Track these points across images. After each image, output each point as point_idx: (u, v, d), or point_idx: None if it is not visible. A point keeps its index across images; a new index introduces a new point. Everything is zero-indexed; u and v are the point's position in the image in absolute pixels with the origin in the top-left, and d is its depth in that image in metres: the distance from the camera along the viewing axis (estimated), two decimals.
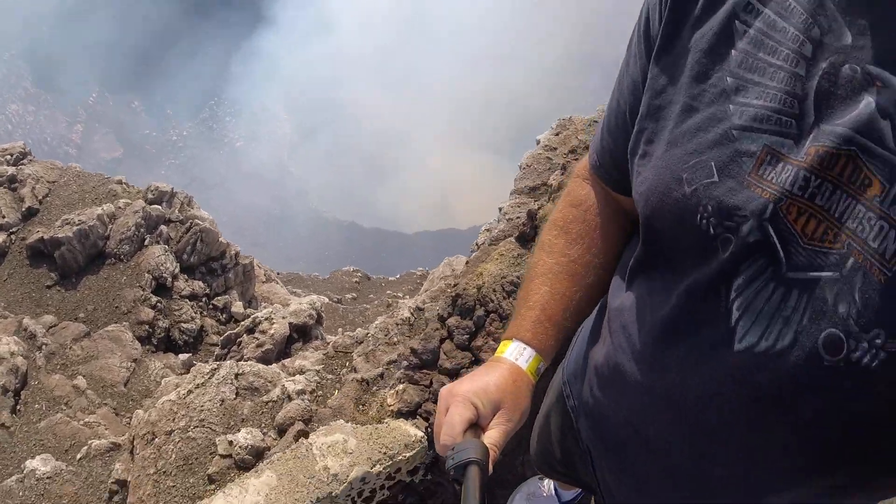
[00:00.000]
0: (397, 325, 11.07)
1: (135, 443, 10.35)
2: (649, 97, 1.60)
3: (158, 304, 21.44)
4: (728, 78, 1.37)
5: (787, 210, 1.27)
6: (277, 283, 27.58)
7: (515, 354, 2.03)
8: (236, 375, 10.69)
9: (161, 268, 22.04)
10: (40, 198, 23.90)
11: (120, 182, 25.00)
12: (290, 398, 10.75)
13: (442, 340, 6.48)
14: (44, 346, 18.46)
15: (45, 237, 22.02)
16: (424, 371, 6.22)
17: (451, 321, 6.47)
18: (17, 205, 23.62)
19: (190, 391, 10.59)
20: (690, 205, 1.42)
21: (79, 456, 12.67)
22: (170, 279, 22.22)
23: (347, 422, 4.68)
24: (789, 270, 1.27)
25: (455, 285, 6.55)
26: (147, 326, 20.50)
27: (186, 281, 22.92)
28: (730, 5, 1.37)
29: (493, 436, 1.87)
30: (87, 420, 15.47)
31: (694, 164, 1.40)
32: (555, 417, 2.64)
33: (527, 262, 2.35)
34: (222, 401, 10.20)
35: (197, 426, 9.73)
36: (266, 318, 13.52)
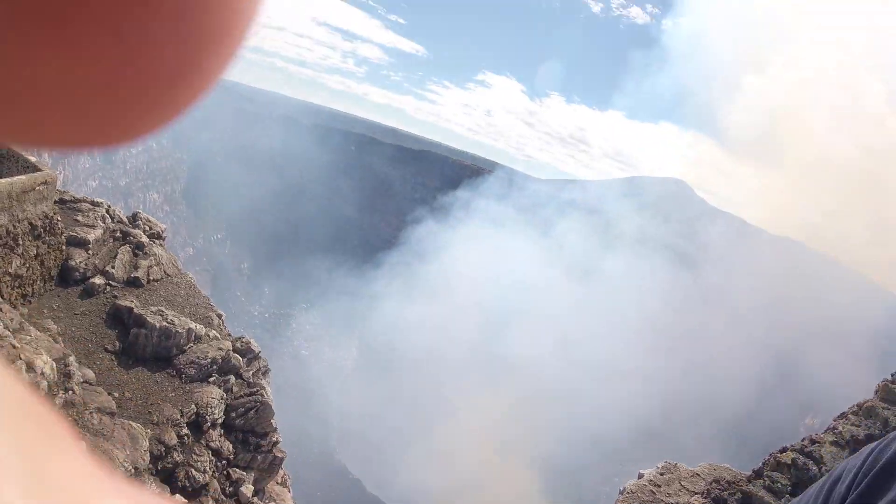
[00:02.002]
0: None
1: None
2: None
3: (185, 438, 20.26)
4: None
5: None
6: (289, 491, 26.13)
7: None
8: None
9: (208, 409, 21.15)
10: (151, 278, 24.02)
11: (220, 315, 25.14)
12: None
13: None
14: (70, 391, 17.45)
15: (135, 311, 21.72)
16: None
17: None
18: (129, 268, 23.75)
19: None
20: None
21: None
22: (209, 424, 21.22)
23: None
24: None
25: None
26: (163, 448, 19.18)
27: (221, 436, 21.87)
28: None
29: None
30: None
31: None
32: None
33: None
34: None
35: None
36: None
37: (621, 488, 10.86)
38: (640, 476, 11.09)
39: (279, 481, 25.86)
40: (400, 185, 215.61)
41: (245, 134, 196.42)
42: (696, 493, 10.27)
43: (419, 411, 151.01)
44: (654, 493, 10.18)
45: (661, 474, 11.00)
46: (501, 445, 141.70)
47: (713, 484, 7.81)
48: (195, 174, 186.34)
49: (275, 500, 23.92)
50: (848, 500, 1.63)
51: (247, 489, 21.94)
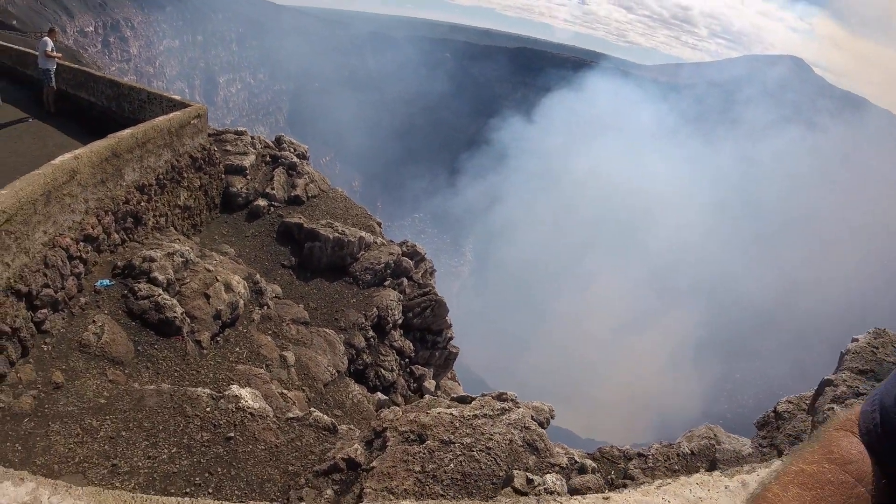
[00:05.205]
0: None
1: (387, 434, 9.63)
2: None
3: (371, 340, 21.13)
4: None
5: None
6: (459, 384, 27.00)
7: None
8: (525, 427, 10.03)
9: (388, 311, 21.95)
10: (309, 195, 24.62)
11: (379, 224, 25.64)
12: (583, 470, 10.31)
13: None
14: (265, 307, 18.32)
15: (305, 226, 22.46)
16: None
17: None
18: (287, 188, 24.41)
19: (476, 416, 9.94)
20: None
21: (290, 415, 11.88)
22: (390, 325, 22.04)
23: None
24: None
25: None
26: (353, 351, 20.07)
27: (401, 336, 22.71)
28: None
29: None
30: (283, 391, 14.86)
31: None
32: None
33: None
34: (511, 441, 9.60)
35: (483, 450, 9.07)
36: (512, 399, 12.64)
37: (843, 350, 11.53)
38: (855, 340, 11.67)
39: (450, 377, 26.83)
40: (499, 87, 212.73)
41: (340, 56, 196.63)
42: None
43: (538, 307, 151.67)
44: (875, 353, 11.03)
45: (876, 338, 11.50)
46: (632, 321, 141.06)
47: None
48: (297, 103, 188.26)
49: (447, 393, 24.72)
50: None
51: (429, 384, 22.91)
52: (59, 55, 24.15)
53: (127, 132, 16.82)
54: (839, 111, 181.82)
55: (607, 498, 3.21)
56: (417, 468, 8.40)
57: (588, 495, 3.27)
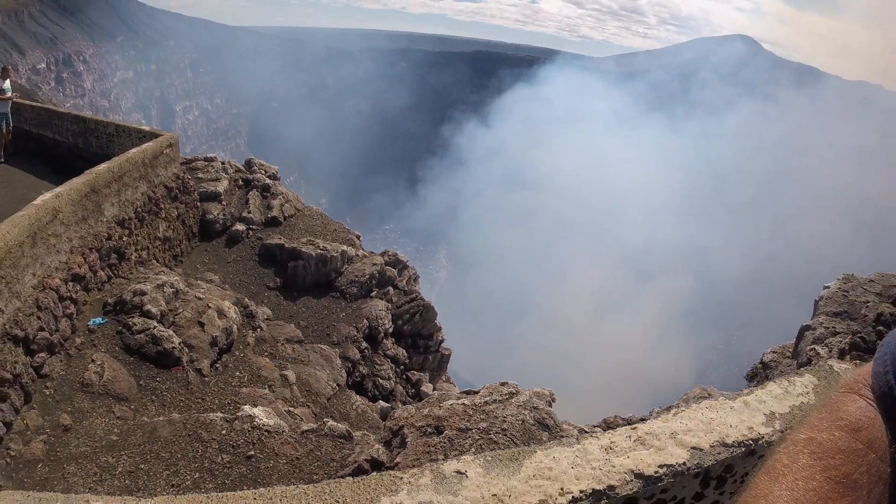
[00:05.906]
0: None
1: (404, 431, 9.87)
2: None
3: (365, 351, 21.30)
4: None
5: None
6: (454, 386, 27.17)
7: None
8: (534, 407, 10.36)
9: (378, 321, 22.14)
10: (286, 215, 24.69)
11: (358, 237, 25.78)
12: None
13: None
14: (258, 329, 18.41)
15: (286, 245, 22.55)
16: None
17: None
18: (263, 210, 24.46)
19: (486, 402, 10.26)
20: None
21: (304, 428, 12.03)
22: (382, 335, 22.25)
23: None
24: None
25: None
26: (349, 364, 20.24)
27: (394, 344, 22.90)
28: None
29: None
30: (289, 409, 14.96)
31: None
32: None
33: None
34: (523, 421, 10.00)
35: (499, 432, 9.48)
36: (514, 387, 12.99)
37: (817, 297, 12.49)
38: (827, 287, 12.57)
39: (445, 379, 27.00)
40: (458, 93, 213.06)
41: (297, 74, 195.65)
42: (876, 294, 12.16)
43: (520, 306, 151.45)
44: (846, 296, 11.90)
45: (845, 283, 12.42)
46: (614, 308, 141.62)
47: None
48: (256, 125, 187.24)
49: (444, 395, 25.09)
50: None
51: (426, 387, 23.16)
52: (14, 95, 22.81)
53: (103, 167, 16.79)
54: (794, 82, 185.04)
55: (634, 428, 3.71)
56: (441, 457, 8.71)
57: (618, 429, 3.78)
